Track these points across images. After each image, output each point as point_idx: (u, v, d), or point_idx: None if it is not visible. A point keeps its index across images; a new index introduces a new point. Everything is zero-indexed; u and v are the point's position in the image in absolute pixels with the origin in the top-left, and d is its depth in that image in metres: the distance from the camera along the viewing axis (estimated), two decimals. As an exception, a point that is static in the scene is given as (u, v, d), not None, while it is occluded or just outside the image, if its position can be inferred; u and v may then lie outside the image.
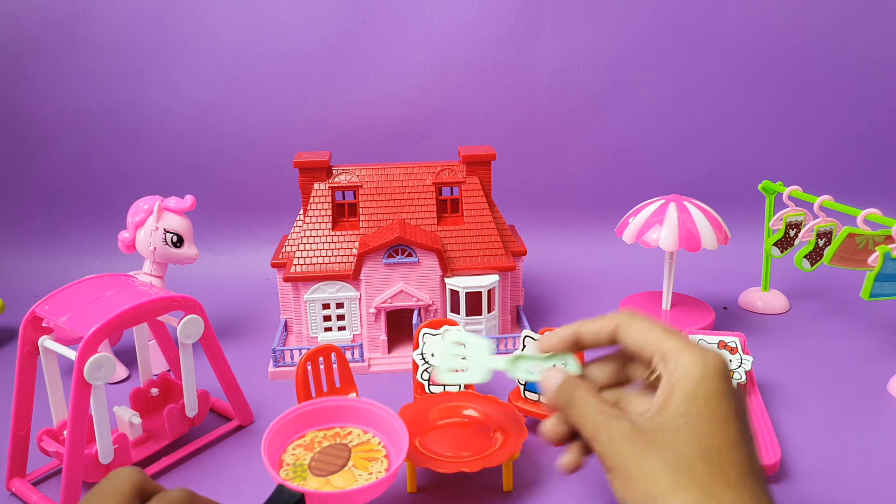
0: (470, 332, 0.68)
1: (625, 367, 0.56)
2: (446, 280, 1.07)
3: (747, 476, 0.43)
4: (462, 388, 0.88)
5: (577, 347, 0.55)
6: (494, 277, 1.08)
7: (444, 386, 0.89)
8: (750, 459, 0.44)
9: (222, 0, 1.46)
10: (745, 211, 1.48)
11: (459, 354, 0.62)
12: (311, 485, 0.63)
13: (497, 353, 1.08)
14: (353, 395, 0.90)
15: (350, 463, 0.66)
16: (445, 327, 0.68)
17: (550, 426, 0.54)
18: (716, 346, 0.93)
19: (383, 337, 1.10)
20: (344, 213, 1.12)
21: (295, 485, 0.62)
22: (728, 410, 0.44)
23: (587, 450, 0.53)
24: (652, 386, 0.51)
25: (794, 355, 1.10)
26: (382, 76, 1.52)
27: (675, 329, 0.49)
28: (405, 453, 0.66)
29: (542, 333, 0.85)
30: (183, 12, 1.47)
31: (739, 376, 0.89)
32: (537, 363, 0.58)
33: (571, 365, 0.57)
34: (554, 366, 0.56)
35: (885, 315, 1.23)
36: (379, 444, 0.72)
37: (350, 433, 0.73)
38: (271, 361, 1.08)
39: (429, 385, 0.90)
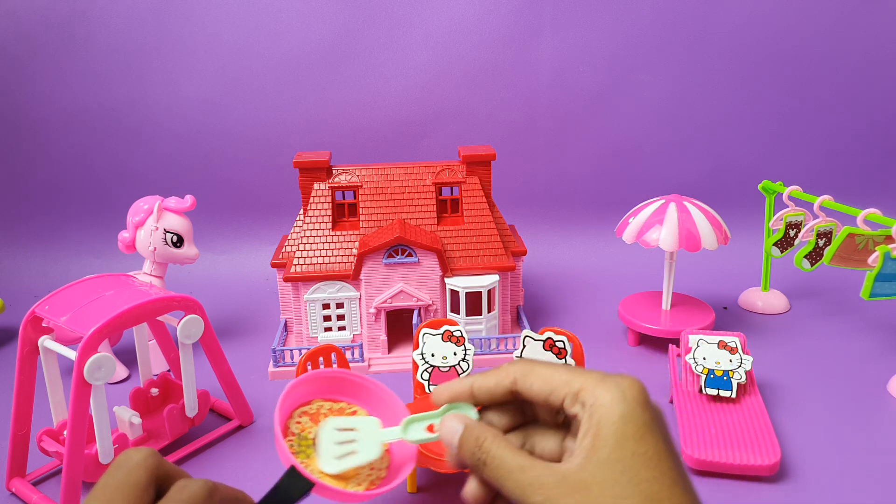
0: (351, 417, 0.63)
1: (523, 409, 0.50)
2: (446, 280, 1.07)
3: None
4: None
5: (471, 403, 0.50)
6: (494, 277, 1.08)
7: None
8: (691, 495, 0.41)
9: (222, 0, 1.46)
10: (745, 211, 1.48)
11: (347, 439, 0.58)
12: (320, 466, 0.60)
13: (497, 354, 1.09)
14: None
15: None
16: (324, 420, 0.63)
17: (472, 491, 0.47)
18: (716, 346, 0.93)
19: (383, 337, 1.10)
20: (344, 213, 1.12)
21: (299, 461, 0.60)
22: (658, 446, 0.41)
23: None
24: (560, 425, 0.47)
25: (794, 355, 1.10)
26: (382, 76, 1.52)
27: (579, 367, 0.46)
28: (415, 459, 0.63)
29: (541, 333, 0.85)
30: (183, 12, 1.47)
31: (739, 376, 0.89)
32: (432, 421, 0.53)
33: (470, 413, 0.51)
34: (451, 413, 0.50)
35: (885, 315, 1.23)
36: None
37: (356, 412, 0.69)
38: (271, 361, 1.08)
39: (429, 385, 0.90)
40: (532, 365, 0.46)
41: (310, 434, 0.62)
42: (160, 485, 0.42)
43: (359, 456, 0.57)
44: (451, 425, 0.48)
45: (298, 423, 0.64)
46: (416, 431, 0.54)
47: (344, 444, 0.58)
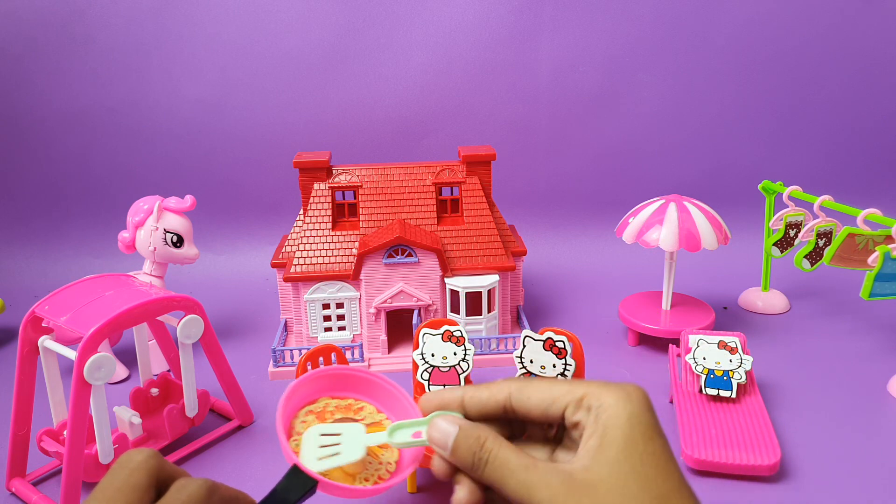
0: (337, 423, 0.63)
1: (510, 424, 0.49)
2: (446, 280, 1.07)
3: None
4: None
5: (461, 413, 0.49)
6: (494, 277, 1.08)
7: (445, 386, 0.89)
8: (693, 495, 0.41)
9: (222, 0, 1.46)
10: (745, 211, 1.48)
11: (330, 443, 0.57)
12: (323, 465, 0.60)
13: (497, 354, 1.09)
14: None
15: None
16: (311, 427, 0.63)
17: (464, 498, 0.46)
18: (716, 346, 0.93)
19: (383, 337, 1.10)
20: (344, 213, 1.12)
21: (305, 463, 0.59)
22: (664, 447, 0.41)
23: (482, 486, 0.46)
24: (550, 440, 0.47)
25: (794, 355, 1.10)
26: (382, 76, 1.52)
27: (577, 379, 0.46)
28: (422, 455, 0.63)
29: (541, 333, 0.85)
30: (183, 12, 1.47)
31: (740, 376, 0.89)
32: (419, 428, 0.52)
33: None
34: (440, 415, 0.48)
35: (885, 315, 1.23)
36: None
37: (363, 408, 0.68)
38: (271, 361, 1.08)
39: (429, 385, 0.90)
40: (528, 380, 0.46)
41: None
42: (161, 485, 0.42)
43: (342, 457, 0.56)
44: (443, 427, 0.46)
45: (304, 422, 0.63)
46: (401, 436, 0.53)
47: (327, 446, 0.57)
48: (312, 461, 0.56)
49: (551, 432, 0.47)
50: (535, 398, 0.45)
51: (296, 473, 0.49)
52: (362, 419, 0.64)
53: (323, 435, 0.57)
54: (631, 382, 0.43)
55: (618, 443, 0.40)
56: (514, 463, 0.43)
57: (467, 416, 0.48)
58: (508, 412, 0.46)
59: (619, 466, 0.40)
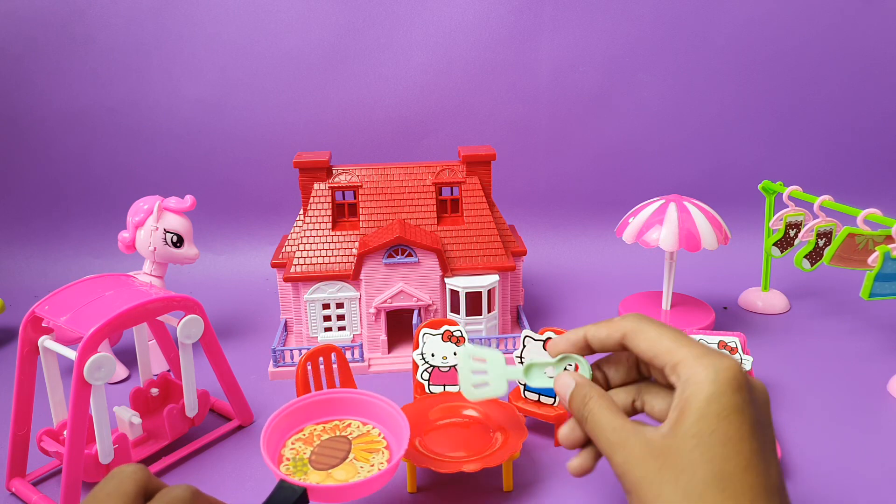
0: (481, 346, 0.70)
1: (638, 365, 0.55)
2: (446, 280, 1.07)
3: (762, 500, 0.42)
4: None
5: (585, 352, 0.55)
6: (494, 277, 1.08)
7: (445, 386, 0.89)
8: (766, 480, 0.42)
9: (222, 0, 1.46)
10: (745, 211, 1.48)
11: (479, 369, 0.63)
12: (313, 479, 0.63)
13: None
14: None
15: (351, 455, 0.66)
16: (463, 346, 0.70)
17: (566, 433, 0.53)
18: (716, 346, 0.93)
19: (383, 337, 1.10)
20: (344, 213, 1.12)
21: (296, 479, 0.62)
22: (741, 429, 0.42)
23: (598, 454, 0.53)
24: (670, 386, 0.51)
25: (794, 355, 1.10)
26: (382, 76, 1.52)
27: (685, 336, 0.48)
28: (407, 443, 0.66)
29: (541, 333, 0.85)
30: (183, 12, 1.47)
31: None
32: (549, 368, 0.59)
33: (583, 367, 0.56)
34: (566, 369, 0.55)
35: (885, 315, 1.23)
36: (379, 435, 0.71)
37: (349, 425, 0.73)
38: (271, 361, 1.08)
39: (429, 385, 0.90)
40: (642, 323, 0.51)
41: (305, 455, 0.65)
42: (148, 496, 0.45)
43: (490, 388, 0.62)
44: (565, 381, 0.53)
45: (293, 448, 0.67)
46: (536, 377, 0.60)
47: (478, 373, 0.63)
48: (469, 389, 0.63)
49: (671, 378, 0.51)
50: (643, 347, 0.49)
51: (283, 487, 0.51)
52: (349, 434, 0.68)
53: (474, 359, 0.63)
54: (728, 358, 0.45)
55: (692, 418, 0.43)
56: (605, 423, 0.48)
57: (591, 351, 0.54)
58: (625, 348, 0.51)
59: (689, 440, 0.43)
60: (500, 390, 0.62)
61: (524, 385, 0.88)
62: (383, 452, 0.66)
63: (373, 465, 0.64)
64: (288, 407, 0.70)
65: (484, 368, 0.63)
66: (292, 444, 0.69)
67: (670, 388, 0.49)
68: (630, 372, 0.55)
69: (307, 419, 0.72)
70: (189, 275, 1.44)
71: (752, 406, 0.44)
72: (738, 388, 0.43)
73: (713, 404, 0.43)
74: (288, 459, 0.66)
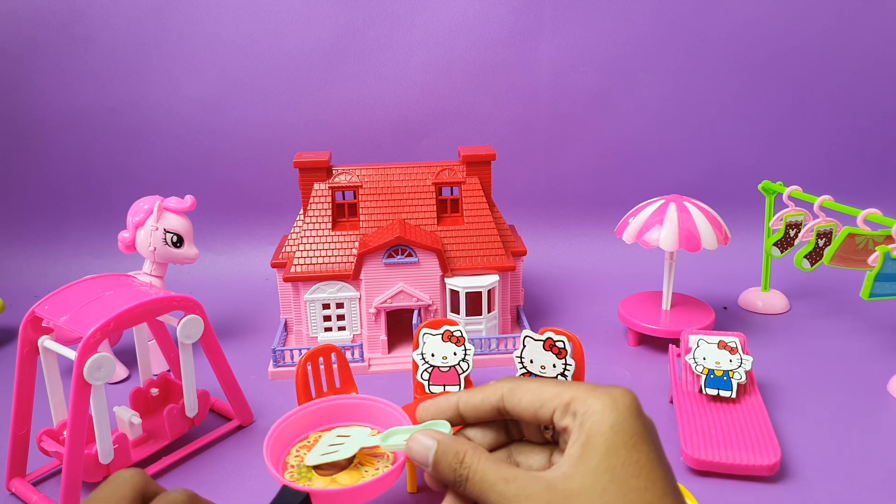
0: (352, 426, 0.72)
1: (507, 427, 0.49)
2: (446, 280, 1.07)
3: None
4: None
5: (457, 421, 0.49)
6: (494, 277, 1.08)
7: (445, 386, 0.89)
8: (682, 502, 0.41)
9: (222, 0, 1.46)
10: (745, 211, 1.48)
11: (338, 442, 0.65)
12: (317, 484, 0.63)
13: (497, 354, 1.09)
14: (353, 395, 0.90)
15: (355, 460, 0.66)
16: (327, 434, 0.71)
17: None
18: (716, 346, 0.93)
19: (383, 337, 1.10)
20: (344, 213, 1.12)
21: (301, 485, 0.62)
22: (650, 456, 0.40)
23: None
24: (547, 443, 0.47)
25: (794, 355, 1.10)
26: (382, 76, 1.52)
27: (568, 381, 0.45)
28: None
29: (541, 333, 0.85)
30: (183, 12, 1.47)
31: (740, 376, 0.89)
32: (410, 433, 0.55)
33: (444, 429, 0.49)
34: (419, 430, 0.47)
35: (885, 315, 1.23)
36: None
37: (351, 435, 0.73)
38: (271, 361, 1.08)
39: (429, 385, 0.90)
40: (520, 381, 0.46)
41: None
42: (146, 501, 0.45)
43: (337, 454, 0.63)
44: (422, 442, 0.46)
45: (297, 456, 0.68)
46: (393, 441, 0.54)
47: (334, 445, 0.65)
48: (315, 457, 0.63)
49: (548, 434, 0.47)
50: (525, 401, 0.44)
51: (286, 493, 0.52)
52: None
53: (338, 436, 0.65)
54: (620, 387, 0.42)
55: (599, 451, 0.40)
56: (492, 476, 0.42)
57: (464, 422, 0.48)
58: (503, 414, 0.46)
59: (601, 476, 0.39)
60: (346, 453, 0.63)
61: None
62: (388, 456, 0.66)
63: (377, 469, 0.64)
64: (291, 415, 0.70)
65: (343, 441, 0.65)
66: (297, 451, 0.69)
67: (546, 444, 0.46)
68: (499, 435, 0.48)
69: (311, 427, 0.72)
70: (189, 275, 1.44)
71: (653, 432, 0.42)
72: (639, 414, 0.41)
73: (619, 434, 0.40)
74: (292, 466, 0.66)
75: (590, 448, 0.40)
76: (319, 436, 0.71)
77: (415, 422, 0.57)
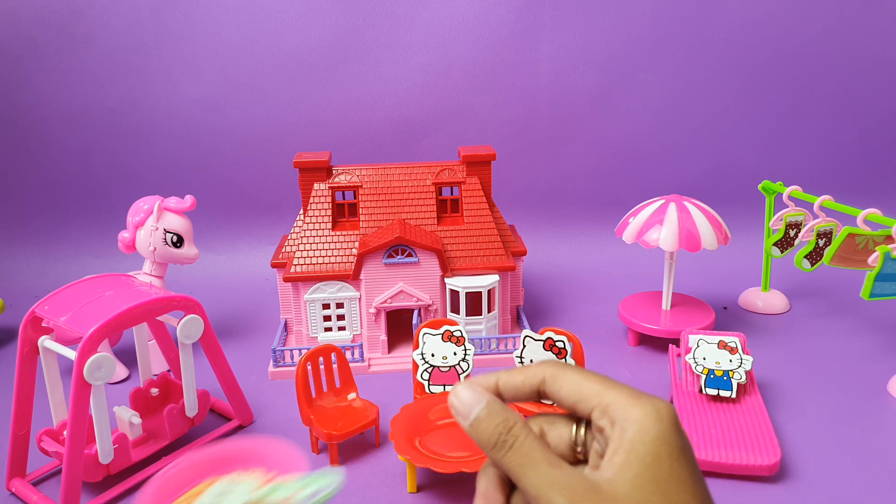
0: (240, 474, 0.66)
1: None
2: (446, 280, 1.07)
3: None
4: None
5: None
6: (494, 277, 1.08)
7: (445, 386, 0.89)
8: None
9: (222, 0, 1.46)
10: (745, 211, 1.48)
11: (224, 492, 0.61)
12: None
13: (497, 354, 1.09)
14: (353, 395, 0.90)
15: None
16: (214, 485, 0.65)
17: (484, 488, 0.43)
18: (716, 346, 0.93)
19: (383, 337, 1.10)
20: (344, 213, 1.12)
21: None
22: (690, 469, 0.40)
23: None
24: (572, 445, 0.46)
25: (794, 355, 1.10)
26: (382, 76, 1.52)
27: (610, 379, 0.44)
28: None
29: (541, 333, 0.85)
30: (183, 12, 1.47)
31: (740, 376, 0.89)
32: (291, 492, 0.53)
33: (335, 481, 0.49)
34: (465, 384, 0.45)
35: (885, 315, 1.23)
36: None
37: (244, 478, 0.68)
38: (271, 361, 1.08)
39: (429, 385, 0.90)
40: (562, 368, 0.45)
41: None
42: None
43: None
44: (467, 397, 0.43)
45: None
46: (277, 497, 0.54)
47: (221, 496, 0.61)
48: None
49: (580, 436, 0.47)
50: (566, 390, 0.43)
51: None
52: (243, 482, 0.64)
53: (227, 484, 0.62)
54: (662, 399, 0.42)
55: (644, 462, 0.39)
56: (539, 455, 0.41)
57: (503, 399, 0.47)
58: (542, 396, 0.45)
59: (644, 486, 0.39)
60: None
61: None
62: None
63: None
64: (175, 465, 0.66)
65: (231, 491, 0.61)
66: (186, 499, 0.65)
67: (574, 448, 0.44)
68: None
69: (202, 475, 0.67)
70: (189, 275, 1.44)
71: (690, 446, 0.42)
72: (679, 427, 0.41)
73: (663, 446, 0.40)
74: None
75: (633, 457, 0.40)
76: (208, 485, 0.66)
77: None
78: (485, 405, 0.43)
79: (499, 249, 1.10)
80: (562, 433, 0.45)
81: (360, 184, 1.11)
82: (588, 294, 1.38)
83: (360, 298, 1.08)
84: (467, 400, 0.43)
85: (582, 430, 0.44)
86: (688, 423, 0.86)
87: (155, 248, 1.05)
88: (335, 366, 0.90)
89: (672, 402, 0.96)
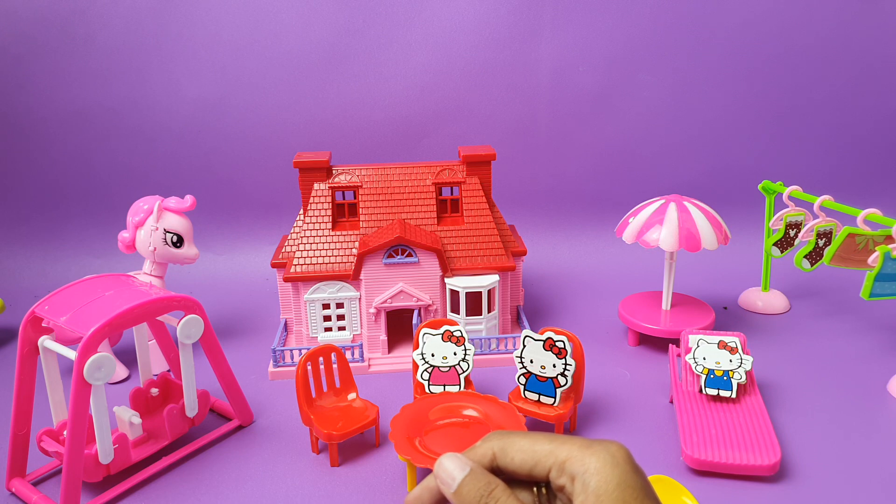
0: None
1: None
2: (446, 280, 1.07)
3: None
4: (462, 388, 0.88)
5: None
6: (494, 277, 1.08)
7: (445, 386, 0.89)
8: None
9: (222, 0, 1.46)
10: (745, 211, 1.48)
11: None
12: None
13: (497, 354, 1.09)
14: (353, 395, 0.90)
15: None
16: None
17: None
18: (716, 346, 0.93)
19: (383, 337, 1.10)
20: (344, 213, 1.12)
21: None
22: None
23: None
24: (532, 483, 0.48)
25: (794, 355, 1.10)
26: (382, 76, 1.52)
27: (558, 435, 0.45)
28: None
29: (541, 333, 0.85)
30: (183, 12, 1.47)
31: (740, 376, 0.89)
32: None
33: None
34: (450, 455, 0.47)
35: (885, 315, 1.23)
36: None
37: None
38: (271, 361, 1.08)
39: (429, 385, 0.90)
40: (508, 437, 0.46)
41: None
42: None
43: None
44: (451, 467, 0.45)
45: None
46: None
47: None
48: None
49: (544, 494, 0.48)
50: (518, 459, 0.45)
51: None
52: None
53: None
54: (613, 441, 0.43)
55: None
56: None
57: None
58: (497, 472, 0.46)
59: None
60: None
61: (524, 385, 0.88)
62: None
63: None
64: None
65: None
66: None
67: (531, 484, 0.46)
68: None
69: None
70: (189, 275, 1.44)
71: (648, 481, 0.43)
72: (636, 467, 0.43)
73: (626, 489, 0.41)
74: None
75: None
76: None
77: None
78: (468, 471, 0.44)
79: (499, 249, 1.10)
80: (524, 499, 0.46)
81: (360, 184, 1.11)
82: (588, 294, 1.38)
83: (360, 298, 1.08)
84: (450, 467, 0.45)
85: (543, 490, 0.45)
86: (688, 423, 0.86)
87: (155, 248, 1.05)
88: (335, 366, 0.91)
89: (672, 402, 0.96)
